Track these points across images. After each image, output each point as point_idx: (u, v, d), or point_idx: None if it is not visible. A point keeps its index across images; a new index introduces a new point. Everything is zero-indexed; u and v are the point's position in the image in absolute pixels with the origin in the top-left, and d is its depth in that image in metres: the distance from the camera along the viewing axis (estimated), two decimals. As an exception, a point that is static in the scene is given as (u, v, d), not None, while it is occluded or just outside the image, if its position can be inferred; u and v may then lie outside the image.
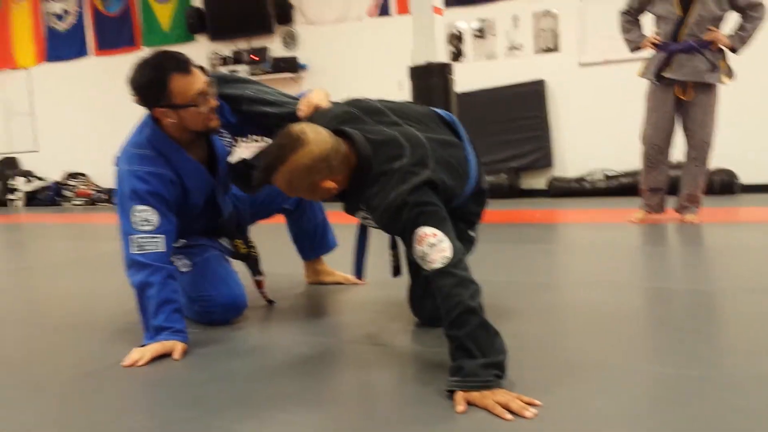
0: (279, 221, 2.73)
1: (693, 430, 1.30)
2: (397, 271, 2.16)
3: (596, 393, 1.50)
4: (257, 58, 7.92)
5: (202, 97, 2.02)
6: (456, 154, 1.88)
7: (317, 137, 1.67)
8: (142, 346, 1.93)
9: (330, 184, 1.71)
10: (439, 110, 2.06)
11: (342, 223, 2.52)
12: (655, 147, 4.28)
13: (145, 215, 2.00)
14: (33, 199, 9.44)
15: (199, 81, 2.01)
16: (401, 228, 1.64)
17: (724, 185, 5.91)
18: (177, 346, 1.93)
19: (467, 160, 1.94)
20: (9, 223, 7.16)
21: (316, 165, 1.67)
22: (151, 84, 1.99)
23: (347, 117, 1.86)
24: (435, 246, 1.57)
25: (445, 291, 1.54)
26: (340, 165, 1.70)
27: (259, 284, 2.48)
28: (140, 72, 2.01)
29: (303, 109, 2.11)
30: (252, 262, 2.45)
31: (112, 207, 8.98)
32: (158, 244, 2.00)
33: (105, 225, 6.66)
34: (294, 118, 2.09)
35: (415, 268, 2.07)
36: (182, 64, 2.00)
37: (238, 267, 2.44)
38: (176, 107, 2.01)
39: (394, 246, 2.15)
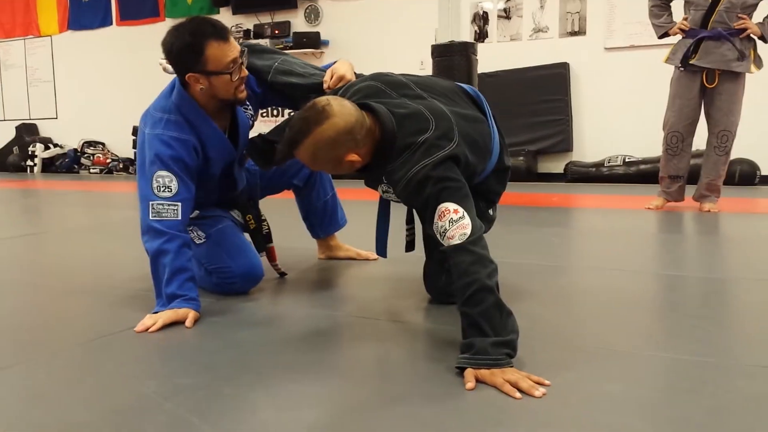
0: (290, 196, 2.73)
1: (705, 417, 1.29)
2: (410, 247, 2.15)
3: (607, 376, 1.49)
4: (279, 33, 7.89)
5: (235, 65, 2.01)
6: (480, 129, 1.87)
7: (342, 110, 1.66)
8: (155, 312, 1.94)
9: (354, 158, 1.70)
10: (464, 85, 2.04)
11: (353, 200, 2.53)
12: (677, 134, 4.23)
13: (166, 181, 2.00)
14: (50, 166, 9.52)
15: (234, 49, 2.01)
16: (423, 202, 1.63)
17: (745, 176, 5.84)
18: (189, 314, 1.94)
19: (491, 137, 1.92)
20: (26, 188, 7.23)
21: (340, 138, 1.65)
22: (188, 48, 1.97)
23: (371, 90, 1.85)
24: (456, 222, 1.56)
25: (462, 268, 1.53)
26: (364, 138, 1.69)
27: (271, 256, 2.48)
28: (177, 36, 1.98)
29: (328, 80, 2.10)
30: (261, 236, 2.45)
31: (128, 176, 9.07)
32: (176, 211, 2.00)
33: (121, 193, 6.71)
34: (320, 89, 2.09)
35: (432, 244, 2.06)
36: (220, 31, 1.99)
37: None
38: (209, 74, 2.00)
39: (410, 221, 2.14)
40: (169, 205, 1.99)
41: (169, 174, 2.00)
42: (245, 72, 2.07)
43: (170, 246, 1.97)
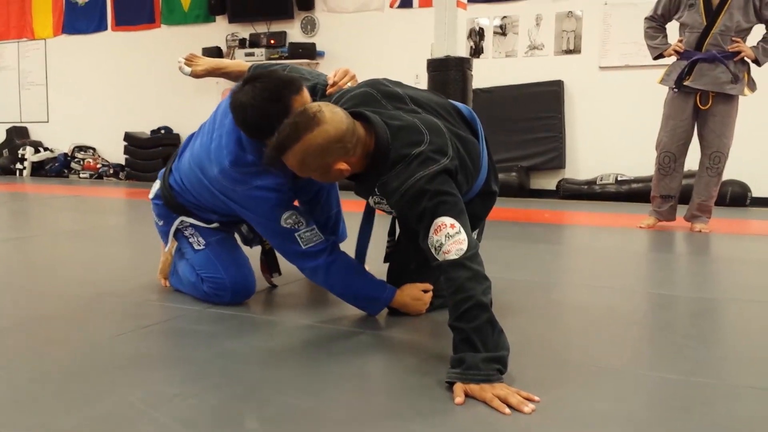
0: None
1: (694, 438, 1.28)
2: (389, 258, 2.15)
3: (596, 394, 1.49)
4: (275, 43, 7.90)
5: None
6: (470, 149, 1.86)
7: (333, 117, 1.65)
8: (393, 308, 2.08)
9: (343, 166, 1.69)
10: (459, 104, 2.04)
11: (355, 212, 2.50)
12: (670, 155, 4.25)
13: (293, 219, 2.01)
14: (40, 170, 9.46)
15: (307, 96, 1.94)
16: (418, 215, 1.62)
17: (736, 197, 5.87)
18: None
19: (480, 158, 1.92)
20: (15, 192, 7.18)
21: (330, 146, 1.65)
22: (279, 115, 1.81)
23: (366, 98, 1.84)
24: (452, 237, 1.56)
25: (458, 283, 1.52)
26: (355, 147, 1.68)
27: (264, 267, 2.47)
28: (259, 104, 1.87)
29: (332, 76, 2.12)
30: (274, 257, 2.45)
31: (117, 182, 9.00)
32: (317, 232, 2.02)
33: (110, 199, 6.67)
34: (326, 86, 2.11)
35: (406, 253, 2.09)
36: (296, 84, 1.92)
37: (248, 252, 2.42)
38: None
39: (392, 233, 2.14)
40: (310, 230, 2.01)
41: (293, 212, 2.01)
42: None
43: (338, 254, 2.05)
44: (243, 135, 2.01)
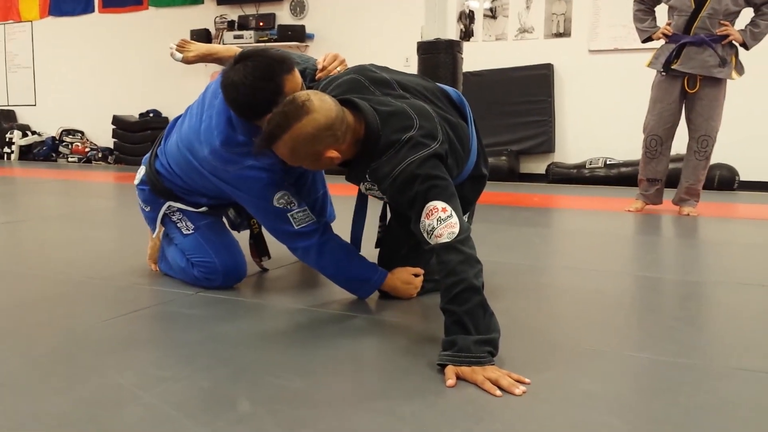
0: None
1: (681, 417, 1.30)
2: (380, 243, 2.16)
3: (585, 376, 1.50)
4: (264, 25, 7.84)
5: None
6: (459, 133, 1.86)
7: (322, 105, 1.65)
8: (383, 291, 2.10)
9: (333, 154, 1.69)
10: (448, 88, 2.04)
11: (343, 195, 2.51)
12: (656, 138, 4.27)
13: (286, 199, 2.01)
14: (27, 154, 9.39)
15: (298, 77, 1.92)
16: (410, 199, 1.63)
17: (724, 180, 5.91)
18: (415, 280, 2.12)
19: (469, 142, 1.92)
20: (2, 176, 7.13)
21: (320, 134, 1.65)
22: (270, 94, 1.83)
23: (354, 85, 1.84)
24: (444, 221, 1.56)
25: (450, 266, 1.53)
26: (344, 134, 1.68)
27: (254, 251, 2.47)
28: (250, 84, 1.85)
29: (322, 60, 2.12)
30: (263, 241, 2.45)
31: (106, 166, 8.95)
32: (308, 213, 2.03)
33: (99, 183, 6.64)
34: (314, 74, 2.11)
35: (397, 238, 2.10)
36: (288, 63, 1.89)
37: (237, 237, 2.42)
38: None
39: (383, 218, 2.14)
40: (302, 211, 2.02)
41: (285, 192, 2.01)
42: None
43: (330, 234, 2.06)
44: (233, 115, 1.99)
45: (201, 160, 2.08)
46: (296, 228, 2.01)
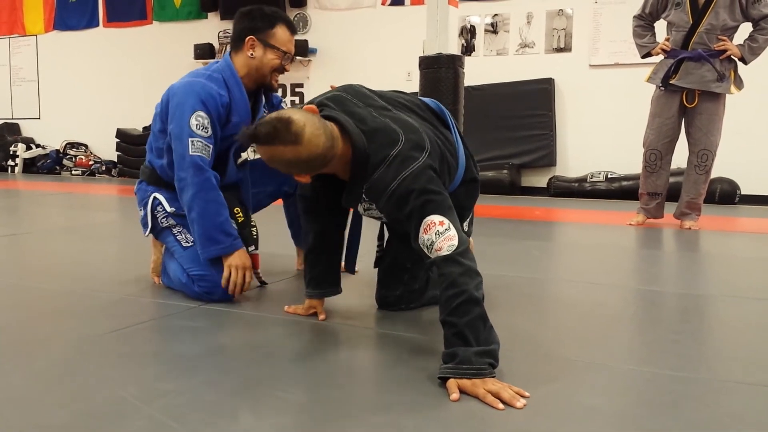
0: (278, 203, 2.72)
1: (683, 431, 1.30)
2: (379, 262, 2.16)
3: (587, 389, 1.50)
4: (266, 39, 7.89)
5: (287, 54, 2.29)
6: (445, 142, 1.87)
7: (312, 141, 1.61)
8: (225, 255, 2.18)
9: (304, 179, 1.73)
10: (425, 99, 2.05)
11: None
12: (656, 152, 4.28)
13: (205, 122, 2.12)
14: (32, 167, 9.42)
15: (293, 46, 2.32)
16: (407, 215, 1.63)
17: (725, 194, 5.92)
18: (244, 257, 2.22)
19: (456, 148, 1.94)
20: (6, 188, 7.15)
21: (297, 164, 1.64)
22: (264, 17, 2.25)
23: (336, 99, 1.83)
24: (442, 234, 1.57)
25: (450, 278, 1.53)
26: (322, 165, 1.69)
27: (254, 263, 2.46)
28: (258, 7, 2.26)
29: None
30: (249, 229, 2.40)
31: (110, 179, 8.95)
32: (209, 152, 2.13)
33: (103, 195, 6.66)
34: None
35: (398, 254, 2.11)
36: (293, 26, 2.32)
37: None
38: (267, 45, 2.25)
39: (381, 237, 2.15)
40: (206, 144, 2.11)
41: (208, 116, 2.12)
42: (289, 68, 2.34)
43: (215, 183, 2.13)
44: (226, 59, 2.29)
45: (162, 106, 2.26)
46: (190, 153, 2.10)
